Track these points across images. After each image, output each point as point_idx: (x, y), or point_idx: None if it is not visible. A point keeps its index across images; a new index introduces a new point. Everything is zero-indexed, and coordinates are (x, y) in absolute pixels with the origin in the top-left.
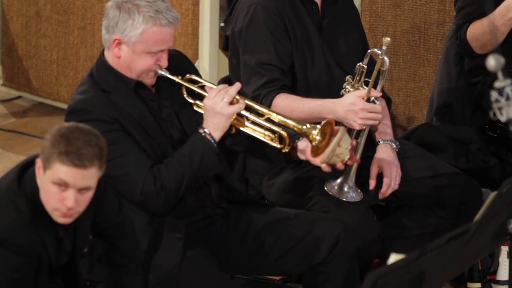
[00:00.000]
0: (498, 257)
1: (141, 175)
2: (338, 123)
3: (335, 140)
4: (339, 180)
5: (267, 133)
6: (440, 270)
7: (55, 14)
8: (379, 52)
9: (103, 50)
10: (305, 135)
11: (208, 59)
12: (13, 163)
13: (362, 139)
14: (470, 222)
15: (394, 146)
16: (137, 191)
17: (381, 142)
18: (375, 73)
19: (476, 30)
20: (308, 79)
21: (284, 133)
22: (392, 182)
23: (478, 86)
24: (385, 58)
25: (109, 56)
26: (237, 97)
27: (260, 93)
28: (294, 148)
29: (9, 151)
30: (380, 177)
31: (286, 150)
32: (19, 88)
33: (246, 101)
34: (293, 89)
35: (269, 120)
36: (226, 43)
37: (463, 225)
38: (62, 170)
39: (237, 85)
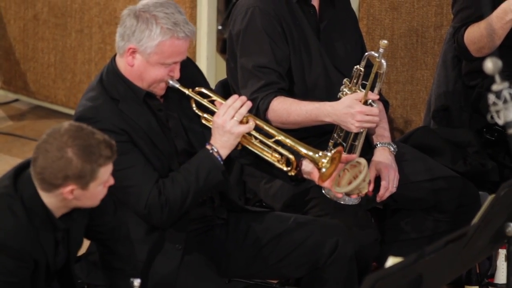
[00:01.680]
0: (496, 260)
1: (147, 188)
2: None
3: (361, 176)
4: None
5: (274, 154)
6: (437, 273)
7: (53, 17)
8: (376, 54)
9: (115, 55)
10: (314, 162)
11: (206, 62)
12: (10, 166)
13: (360, 142)
14: (468, 225)
15: (392, 149)
16: (142, 204)
17: (379, 145)
18: (372, 75)
19: (473, 33)
20: (305, 82)
21: (291, 157)
22: (390, 185)
23: (475, 89)
24: (382, 60)
25: (121, 63)
26: (247, 115)
27: (257, 96)
28: (299, 167)
29: (6, 154)
30: (378, 180)
31: (292, 173)
32: (16, 91)
33: (257, 121)
34: (291, 92)
35: (277, 142)
36: (224, 46)
37: (461, 228)
38: (108, 167)
39: (248, 104)
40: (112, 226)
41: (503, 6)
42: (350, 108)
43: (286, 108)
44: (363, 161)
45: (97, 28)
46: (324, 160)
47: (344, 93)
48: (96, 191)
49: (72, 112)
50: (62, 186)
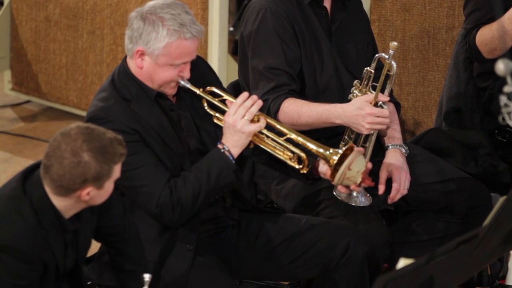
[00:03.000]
0: (508, 262)
1: (158, 188)
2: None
3: (345, 164)
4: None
5: (286, 152)
6: (449, 275)
7: (64, 18)
8: (387, 56)
9: (126, 56)
10: (326, 160)
11: (217, 63)
12: (22, 168)
13: (370, 144)
14: (479, 227)
15: (403, 151)
16: (153, 203)
17: (390, 147)
18: (382, 77)
19: (485, 35)
20: (317, 84)
21: (303, 154)
22: (401, 187)
23: (487, 90)
24: (393, 62)
25: (132, 65)
26: (258, 113)
27: (269, 98)
28: (315, 167)
29: (18, 156)
30: (389, 182)
31: (304, 171)
32: (28, 93)
33: (268, 120)
34: (302, 94)
35: (289, 140)
36: (235, 48)
37: (472, 230)
38: (119, 166)
39: (259, 103)
40: (121, 228)
41: None
42: (361, 110)
43: (297, 109)
44: (354, 151)
45: (109, 29)
46: (335, 157)
47: (355, 95)
48: (109, 188)
49: (83, 113)
50: (80, 189)
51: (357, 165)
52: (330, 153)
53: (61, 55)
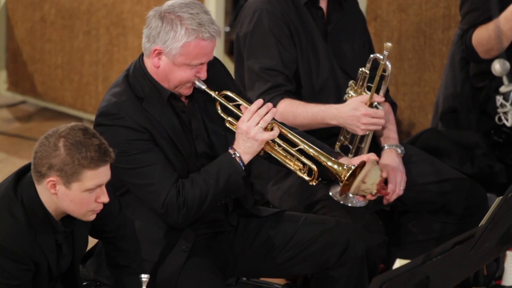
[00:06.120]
0: (504, 262)
1: (166, 187)
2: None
3: (359, 177)
4: None
5: (297, 163)
6: (445, 275)
7: (60, 18)
8: (381, 57)
9: (142, 53)
10: (337, 174)
11: None
12: (17, 168)
13: (366, 144)
14: (476, 227)
15: (399, 151)
16: (159, 203)
17: (386, 147)
18: (377, 78)
19: (481, 35)
20: (313, 85)
21: (314, 167)
22: (397, 187)
23: (483, 91)
24: (387, 63)
25: (148, 64)
26: (272, 121)
27: (264, 99)
28: (320, 178)
29: (14, 156)
30: (385, 182)
31: (313, 183)
32: (23, 93)
33: (281, 129)
34: (298, 95)
35: (300, 150)
36: (231, 48)
37: (469, 230)
38: (95, 174)
39: (273, 111)
40: (117, 225)
41: (511, 8)
42: (356, 111)
43: (292, 110)
44: (368, 163)
45: (104, 30)
46: (348, 174)
47: (350, 95)
48: (80, 197)
49: (79, 113)
50: (46, 176)
51: (371, 177)
52: (342, 168)
53: (56, 56)
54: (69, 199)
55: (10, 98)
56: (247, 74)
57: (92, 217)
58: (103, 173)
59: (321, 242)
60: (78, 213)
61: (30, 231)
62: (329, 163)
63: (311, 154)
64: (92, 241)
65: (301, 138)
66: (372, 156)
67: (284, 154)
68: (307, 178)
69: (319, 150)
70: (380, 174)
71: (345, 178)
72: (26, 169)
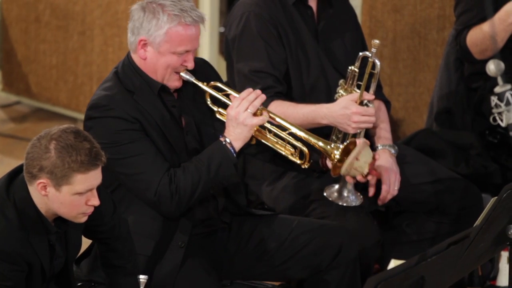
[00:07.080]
0: (498, 263)
1: (157, 175)
2: (354, 135)
3: (353, 154)
4: (337, 186)
5: (288, 147)
6: (440, 275)
7: (55, 19)
8: (370, 54)
9: (129, 52)
10: (327, 154)
11: None
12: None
13: None
14: (470, 227)
15: (393, 151)
16: (151, 191)
17: (379, 147)
18: (366, 76)
19: (476, 36)
20: (303, 85)
21: (305, 149)
22: (390, 188)
23: (478, 91)
24: (376, 60)
25: (136, 58)
26: (261, 107)
27: None
28: (323, 160)
29: (8, 157)
30: (379, 183)
31: (305, 166)
32: (18, 93)
33: (270, 114)
34: (289, 96)
35: (291, 134)
36: None
37: (463, 230)
38: (85, 178)
39: (262, 97)
40: (111, 226)
41: (505, 8)
42: (346, 110)
43: (283, 111)
44: (361, 142)
45: (99, 30)
46: (337, 152)
47: (340, 94)
48: (70, 199)
49: (74, 114)
50: (37, 177)
51: (364, 155)
52: (331, 147)
53: (51, 56)
54: (59, 201)
55: (5, 99)
56: (237, 77)
57: (83, 219)
58: (94, 177)
59: (314, 245)
60: (69, 215)
61: (22, 232)
62: (320, 143)
63: (302, 137)
64: (86, 242)
65: (290, 122)
66: (363, 139)
67: (275, 140)
68: (298, 161)
69: (309, 132)
70: (373, 155)
71: (338, 155)
72: (19, 170)
